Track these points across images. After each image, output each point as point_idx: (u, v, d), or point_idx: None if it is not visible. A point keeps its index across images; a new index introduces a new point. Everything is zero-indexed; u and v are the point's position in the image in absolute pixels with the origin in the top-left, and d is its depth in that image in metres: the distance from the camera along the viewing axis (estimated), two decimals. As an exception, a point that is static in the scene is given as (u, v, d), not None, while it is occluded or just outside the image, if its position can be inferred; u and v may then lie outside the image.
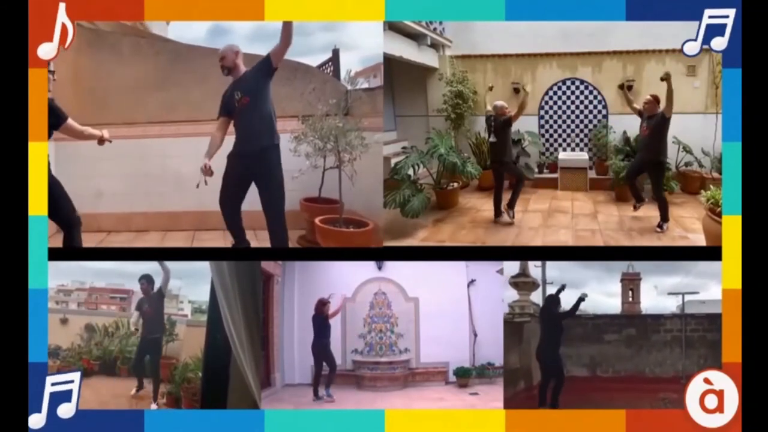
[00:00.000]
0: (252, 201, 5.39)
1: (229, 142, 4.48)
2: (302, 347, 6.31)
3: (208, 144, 4.40)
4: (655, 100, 5.46)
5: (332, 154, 5.22)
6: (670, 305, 5.35)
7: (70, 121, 3.94)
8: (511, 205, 5.85)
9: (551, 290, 4.71)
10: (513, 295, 5.24)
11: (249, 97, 4.31)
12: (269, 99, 4.37)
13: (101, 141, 4.18)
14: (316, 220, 5.02)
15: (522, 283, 5.31)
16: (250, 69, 4.41)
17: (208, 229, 5.68)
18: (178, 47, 5.98)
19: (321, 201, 5.50)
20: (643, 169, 5.64)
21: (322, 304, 5.61)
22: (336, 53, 6.57)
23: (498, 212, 5.88)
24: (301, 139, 5.27)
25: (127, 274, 4.95)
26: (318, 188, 5.51)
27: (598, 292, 5.42)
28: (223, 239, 5.45)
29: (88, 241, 5.41)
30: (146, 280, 4.83)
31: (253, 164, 4.34)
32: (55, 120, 3.84)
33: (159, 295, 4.82)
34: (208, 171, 4.23)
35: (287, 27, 4.16)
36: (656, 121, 5.39)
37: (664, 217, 5.39)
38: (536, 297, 5.36)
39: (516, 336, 5.10)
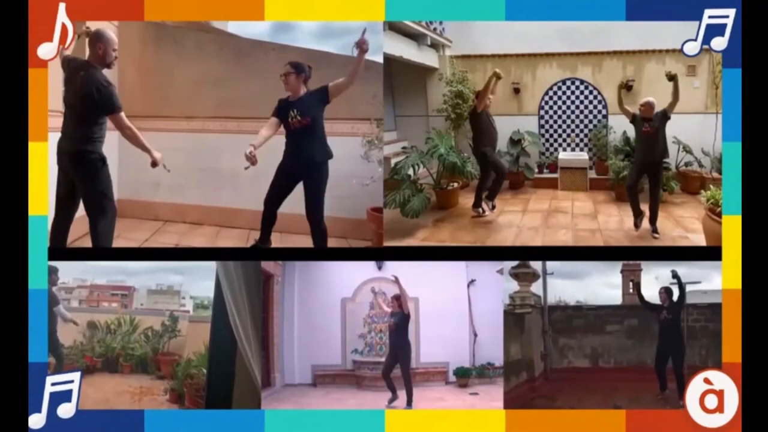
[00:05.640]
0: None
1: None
2: (302, 347, 6.32)
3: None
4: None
5: None
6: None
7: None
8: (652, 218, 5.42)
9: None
10: (512, 285, 5.22)
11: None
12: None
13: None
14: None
15: (522, 274, 5.30)
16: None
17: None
18: (241, 42, 5.86)
19: None
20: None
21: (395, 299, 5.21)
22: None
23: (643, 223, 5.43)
24: (374, 144, 5.05)
25: (128, 271, 4.96)
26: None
27: (600, 283, 5.43)
28: (278, 240, 5.36)
29: (146, 228, 5.60)
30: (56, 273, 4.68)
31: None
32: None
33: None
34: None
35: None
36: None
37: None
38: (536, 288, 5.38)
39: (517, 327, 5.10)
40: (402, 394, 4.93)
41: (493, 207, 6.02)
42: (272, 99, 4.58)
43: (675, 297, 4.80)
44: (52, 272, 4.42)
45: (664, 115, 5.28)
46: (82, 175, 3.83)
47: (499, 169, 6.05)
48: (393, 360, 5.08)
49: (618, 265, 5.43)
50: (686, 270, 4.84)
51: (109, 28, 4.00)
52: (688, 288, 5.03)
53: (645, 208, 5.40)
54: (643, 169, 5.46)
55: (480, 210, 5.99)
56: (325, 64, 5.58)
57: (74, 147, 3.79)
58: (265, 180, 4.54)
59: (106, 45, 3.84)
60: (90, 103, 3.75)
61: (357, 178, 5.15)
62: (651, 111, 5.32)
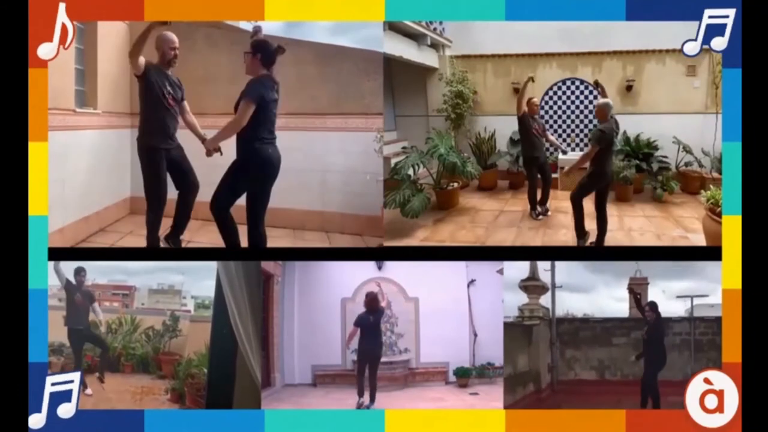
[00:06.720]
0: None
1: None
2: (302, 347, 6.32)
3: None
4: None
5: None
6: (678, 309, 5.35)
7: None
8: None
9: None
10: (520, 298, 5.24)
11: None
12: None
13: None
14: None
15: (531, 286, 5.33)
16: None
17: (276, 226, 5.42)
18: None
19: None
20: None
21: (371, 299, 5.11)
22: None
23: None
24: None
25: (130, 270, 4.96)
26: None
27: (607, 296, 5.45)
28: (293, 237, 5.32)
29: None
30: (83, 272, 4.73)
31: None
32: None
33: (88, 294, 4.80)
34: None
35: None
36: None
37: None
38: (545, 300, 5.39)
39: (525, 339, 5.11)
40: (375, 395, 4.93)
41: (547, 211, 6.04)
42: (285, 95, 4.48)
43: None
44: (79, 272, 4.65)
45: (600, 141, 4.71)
46: (140, 162, 4.23)
47: (544, 173, 6.15)
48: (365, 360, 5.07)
49: (625, 279, 5.44)
50: (694, 284, 4.86)
51: (121, 26, 4.01)
52: (696, 301, 5.04)
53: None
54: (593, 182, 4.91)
55: (536, 212, 5.99)
56: (341, 58, 5.60)
57: (138, 139, 4.24)
58: (281, 176, 4.39)
59: (164, 45, 4.12)
60: (141, 94, 4.14)
61: (371, 174, 5.11)
62: (603, 115, 4.80)
